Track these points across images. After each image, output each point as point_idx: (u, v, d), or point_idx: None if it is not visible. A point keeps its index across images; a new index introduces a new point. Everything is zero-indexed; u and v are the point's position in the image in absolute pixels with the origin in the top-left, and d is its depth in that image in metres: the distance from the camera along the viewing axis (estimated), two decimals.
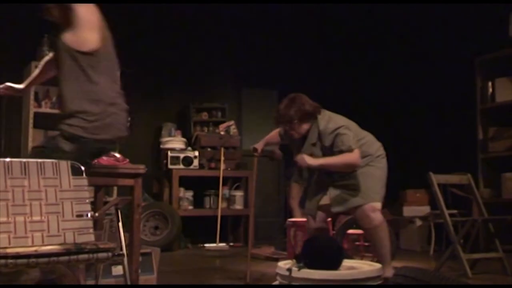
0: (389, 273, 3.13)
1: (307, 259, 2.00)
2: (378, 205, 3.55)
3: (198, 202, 6.62)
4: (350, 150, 3.51)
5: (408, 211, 6.32)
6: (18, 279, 2.65)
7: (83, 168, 2.74)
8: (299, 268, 1.96)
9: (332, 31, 7.67)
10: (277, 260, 5.18)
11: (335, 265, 2.05)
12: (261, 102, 7.64)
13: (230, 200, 6.67)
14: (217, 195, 6.54)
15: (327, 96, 7.79)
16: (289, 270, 1.96)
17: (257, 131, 7.47)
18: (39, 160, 2.69)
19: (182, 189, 6.42)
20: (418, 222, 6.26)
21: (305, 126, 3.72)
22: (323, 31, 7.80)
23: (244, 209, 6.69)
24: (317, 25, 7.81)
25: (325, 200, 3.66)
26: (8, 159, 2.58)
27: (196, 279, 4.29)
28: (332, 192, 3.61)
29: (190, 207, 6.50)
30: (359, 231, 4.77)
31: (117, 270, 3.37)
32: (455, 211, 5.38)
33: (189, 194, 6.51)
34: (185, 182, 6.45)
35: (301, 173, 6.92)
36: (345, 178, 3.61)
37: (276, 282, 2.13)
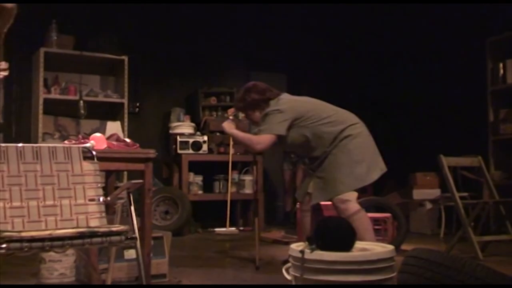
0: None
1: (319, 240, 2.01)
2: (346, 195, 3.50)
3: (207, 186, 6.64)
4: (264, 131, 3.61)
5: (418, 194, 6.30)
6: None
7: (94, 152, 2.75)
8: (312, 250, 1.97)
9: (341, 13, 7.60)
10: (287, 243, 5.20)
11: (348, 247, 2.06)
12: (270, 85, 7.60)
13: (239, 184, 6.68)
14: (227, 180, 6.55)
15: (337, 78, 7.82)
16: (302, 252, 1.97)
17: None
18: (51, 145, 2.70)
19: (191, 174, 6.43)
20: (428, 205, 6.25)
21: (257, 114, 3.80)
22: (332, 12, 7.73)
23: (253, 193, 6.69)
24: (327, 7, 7.74)
25: (311, 188, 3.72)
26: (20, 144, 2.59)
27: (207, 263, 4.32)
28: (312, 185, 3.69)
29: (200, 192, 6.52)
30: (369, 215, 4.77)
31: (129, 254, 3.39)
32: (465, 194, 5.37)
33: (199, 179, 6.53)
34: (195, 167, 6.46)
35: (290, 157, 6.98)
36: (321, 171, 3.64)
37: (289, 265, 2.14)
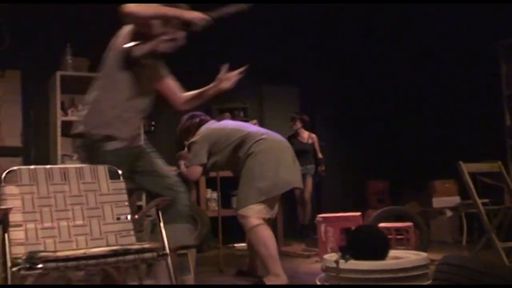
0: (268, 281, 3.45)
1: (353, 250, 2.01)
2: (245, 211, 3.65)
3: (225, 202, 6.64)
4: (190, 162, 4.01)
5: (438, 202, 6.27)
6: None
7: (120, 171, 2.78)
8: (346, 260, 1.97)
9: (353, 26, 7.65)
10: (309, 257, 5.20)
11: (382, 255, 2.06)
12: (282, 99, 7.66)
13: None
14: None
15: (349, 91, 7.85)
16: (337, 262, 1.97)
17: (279, 128, 7.50)
18: (77, 165, 2.74)
19: (209, 190, 6.45)
20: (448, 213, 6.20)
21: (190, 138, 4.13)
22: (344, 27, 7.78)
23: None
24: (338, 22, 7.79)
25: None
26: (48, 166, 2.63)
27: (234, 278, 4.31)
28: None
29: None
30: (390, 224, 4.77)
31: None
32: (486, 200, 5.33)
33: (216, 195, 6.53)
34: (212, 183, 6.47)
35: None
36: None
37: (322, 275, 2.14)
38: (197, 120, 4.20)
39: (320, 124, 7.95)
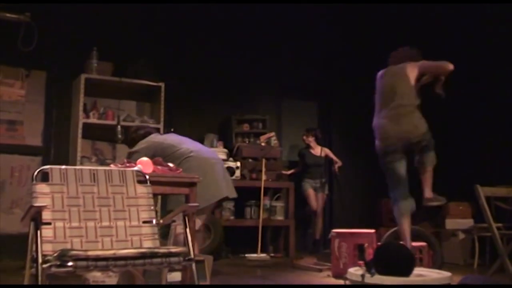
0: None
1: (379, 265, 2.05)
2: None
3: (239, 212, 6.69)
4: None
5: (451, 224, 6.28)
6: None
7: (147, 176, 2.84)
8: (372, 275, 2.01)
9: (372, 43, 7.70)
10: (321, 270, 5.23)
11: (407, 272, 2.09)
12: (301, 113, 7.72)
13: (270, 210, 6.73)
14: (258, 206, 6.60)
15: (366, 108, 7.87)
16: (362, 276, 2.01)
17: (296, 141, 7.58)
18: (106, 168, 2.81)
19: None
20: (461, 235, 6.21)
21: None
22: (363, 42, 7.84)
23: (284, 220, 6.74)
24: (357, 38, 7.86)
25: None
26: (78, 167, 2.70)
27: None
28: None
29: (232, 217, 6.58)
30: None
31: (172, 276, 3.46)
32: (500, 225, 5.32)
33: (231, 204, 6.59)
34: None
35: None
36: None
37: None
38: (142, 132, 4.58)
39: (337, 140, 8.00)
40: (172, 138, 4.48)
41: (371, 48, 7.82)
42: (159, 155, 4.12)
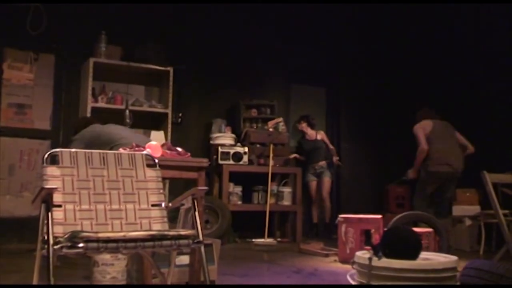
0: None
1: (386, 249, 2.06)
2: None
3: (246, 197, 6.72)
4: None
5: (458, 210, 6.27)
6: None
7: (156, 160, 2.86)
8: (379, 258, 2.03)
9: (382, 29, 7.66)
10: (327, 255, 5.25)
11: (414, 256, 2.11)
12: (309, 98, 7.71)
13: (278, 196, 6.75)
14: (266, 191, 6.63)
15: (374, 94, 7.87)
16: (370, 259, 2.03)
17: None
18: (116, 151, 2.82)
19: (231, 184, 6.54)
20: (468, 222, 6.21)
21: None
22: (372, 28, 7.79)
23: (291, 205, 6.77)
24: (367, 23, 7.81)
25: None
26: (88, 150, 2.71)
27: (252, 272, 4.37)
28: None
29: (239, 202, 6.61)
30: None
31: (180, 260, 3.48)
32: (506, 211, 5.32)
33: (238, 189, 6.62)
34: (235, 177, 6.56)
35: (314, 168, 7.17)
36: None
37: (352, 272, 2.20)
38: (84, 122, 4.81)
39: (345, 126, 7.99)
40: (111, 129, 4.60)
41: (379, 34, 7.78)
42: (94, 145, 4.34)
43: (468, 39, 7.03)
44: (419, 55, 7.59)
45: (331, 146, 7.24)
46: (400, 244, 2.07)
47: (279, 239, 6.63)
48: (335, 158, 7.27)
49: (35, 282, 2.34)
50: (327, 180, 7.10)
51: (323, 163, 7.12)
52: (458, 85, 7.11)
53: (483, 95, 6.78)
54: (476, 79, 6.89)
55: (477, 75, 6.87)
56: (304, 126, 7.18)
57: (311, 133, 7.19)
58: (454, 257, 2.10)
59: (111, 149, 4.20)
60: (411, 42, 7.64)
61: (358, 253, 2.17)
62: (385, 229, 2.67)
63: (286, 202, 6.76)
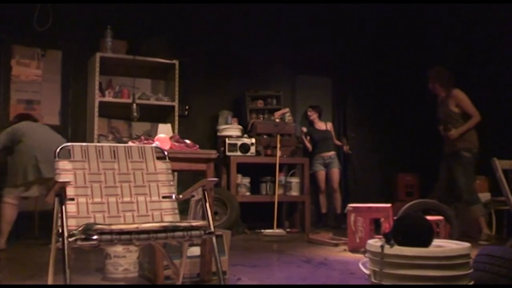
0: None
1: (398, 237, 2.07)
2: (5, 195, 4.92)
3: (254, 188, 6.74)
4: None
5: None
6: None
7: (166, 152, 2.88)
8: (391, 246, 2.04)
9: (388, 17, 7.62)
10: (337, 245, 5.27)
11: (426, 243, 2.12)
12: (315, 89, 7.70)
13: (286, 186, 6.77)
14: (273, 182, 6.64)
15: (380, 83, 7.85)
16: (382, 247, 2.04)
17: None
18: (126, 145, 2.85)
19: (239, 176, 6.55)
20: None
21: None
22: (377, 18, 7.76)
23: (300, 196, 6.78)
24: (372, 13, 7.78)
25: None
26: (99, 144, 2.74)
27: (262, 262, 4.39)
28: None
29: (248, 193, 6.63)
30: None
31: (191, 251, 3.51)
32: None
33: (246, 180, 6.64)
34: (242, 168, 6.58)
35: (322, 158, 7.24)
36: None
37: (364, 260, 2.21)
38: (16, 119, 5.27)
39: (351, 116, 7.98)
40: (27, 127, 5.07)
41: (385, 23, 7.75)
42: (13, 140, 4.95)
43: (474, 26, 6.99)
44: (427, 43, 7.55)
45: (336, 142, 7.41)
46: (412, 231, 2.07)
47: (288, 230, 6.65)
48: (345, 147, 7.35)
49: (50, 274, 2.37)
50: (336, 171, 7.15)
51: (332, 153, 7.17)
52: (466, 72, 7.07)
53: (492, 84, 6.74)
54: (485, 67, 6.85)
55: (485, 64, 6.84)
56: (315, 116, 7.29)
57: (320, 123, 7.30)
58: (467, 244, 2.11)
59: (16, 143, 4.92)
60: (418, 30, 7.60)
61: (370, 241, 2.18)
62: (395, 217, 2.67)
63: (294, 192, 6.78)
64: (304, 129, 7.26)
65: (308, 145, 7.19)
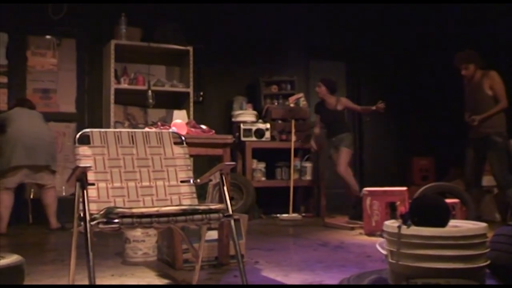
0: None
1: (415, 217, 2.09)
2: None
3: (270, 173, 6.77)
4: None
5: (486, 180, 6.21)
6: None
7: (183, 137, 2.91)
8: (408, 226, 2.06)
9: (402, 3, 7.56)
10: (353, 229, 5.29)
11: (443, 223, 2.13)
12: (329, 73, 7.67)
13: (301, 171, 6.78)
14: (288, 167, 6.67)
15: (395, 67, 7.80)
16: (399, 227, 2.06)
17: None
18: (144, 130, 2.88)
19: (254, 161, 6.59)
20: (496, 191, 6.18)
21: None
22: (391, 2, 7.70)
23: (315, 180, 6.80)
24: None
25: None
26: (117, 130, 2.78)
27: (278, 246, 4.43)
28: None
29: (263, 178, 6.66)
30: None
31: (209, 235, 3.55)
32: None
33: (262, 165, 6.68)
34: (257, 154, 6.61)
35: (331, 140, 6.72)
36: None
37: (382, 241, 2.23)
38: (12, 104, 5.57)
39: (366, 100, 7.94)
40: (15, 115, 5.25)
41: (399, 6, 7.68)
42: (5, 124, 5.18)
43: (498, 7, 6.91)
44: (442, 26, 7.48)
45: (358, 108, 6.49)
46: (429, 211, 2.09)
47: (303, 214, 6.69)
48: (376, 106, 6.13)
49: (73, 258, 2.43)
50: (342, 151, 6.13)
51: (341, 136, 6.21)
52: (485, 53, 7.01)
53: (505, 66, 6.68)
54: (497, 56, 6.79)
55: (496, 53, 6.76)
56: (323, 91, 6.25)
57: (330, 101, 6.27)
58: (484, 224, 2.12)
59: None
60: (434, 12, 7.53)
61: (387, 222, 2.20)
62: (411, 200, 2.69)
63: (309, 177, 6.80)
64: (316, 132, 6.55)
65: (314, 146, 6.59)
